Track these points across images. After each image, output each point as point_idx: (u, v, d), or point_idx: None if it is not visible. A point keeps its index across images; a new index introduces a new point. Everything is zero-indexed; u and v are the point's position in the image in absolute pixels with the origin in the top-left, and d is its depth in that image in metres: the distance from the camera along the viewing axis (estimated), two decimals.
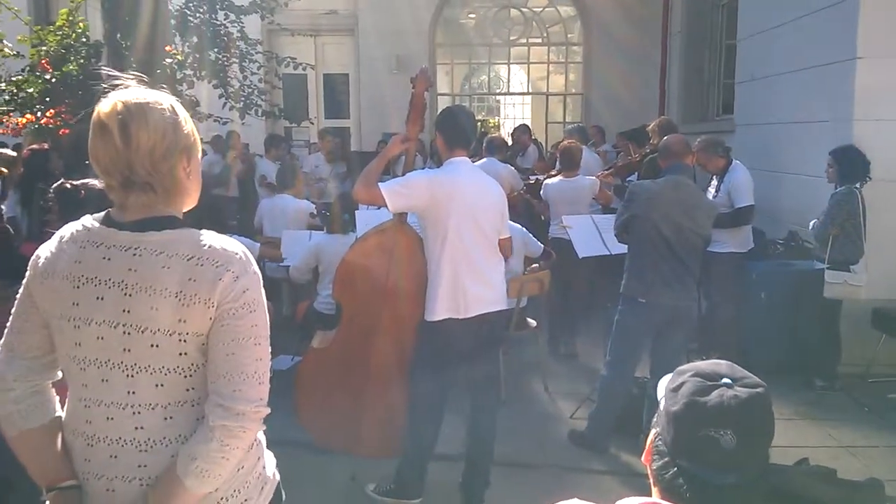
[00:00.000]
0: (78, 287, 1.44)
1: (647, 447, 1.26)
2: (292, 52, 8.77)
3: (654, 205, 3.88)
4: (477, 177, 3.47)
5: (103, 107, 1.44)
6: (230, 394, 1.42)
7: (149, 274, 1.41)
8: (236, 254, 1.47)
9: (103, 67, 5.09)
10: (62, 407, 1.57)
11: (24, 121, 6.20)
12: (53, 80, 6.29)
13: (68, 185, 2.59)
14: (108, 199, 1.51)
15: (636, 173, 6.55)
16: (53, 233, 1.54)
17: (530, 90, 14.66)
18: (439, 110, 11.25)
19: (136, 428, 1.45)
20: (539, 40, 12.23)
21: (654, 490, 1.23)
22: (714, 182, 5.38)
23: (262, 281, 1.52)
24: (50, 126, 6.10)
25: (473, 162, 3.89)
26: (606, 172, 6.61)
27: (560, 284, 5.50)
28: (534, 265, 5.17)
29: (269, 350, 1.51)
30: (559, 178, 5.89)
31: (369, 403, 3.48)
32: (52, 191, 2.66)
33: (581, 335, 5.90)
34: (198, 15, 7.53)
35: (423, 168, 6.18)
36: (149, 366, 1.43)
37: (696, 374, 1.21)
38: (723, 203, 5.07)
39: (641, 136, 6.75)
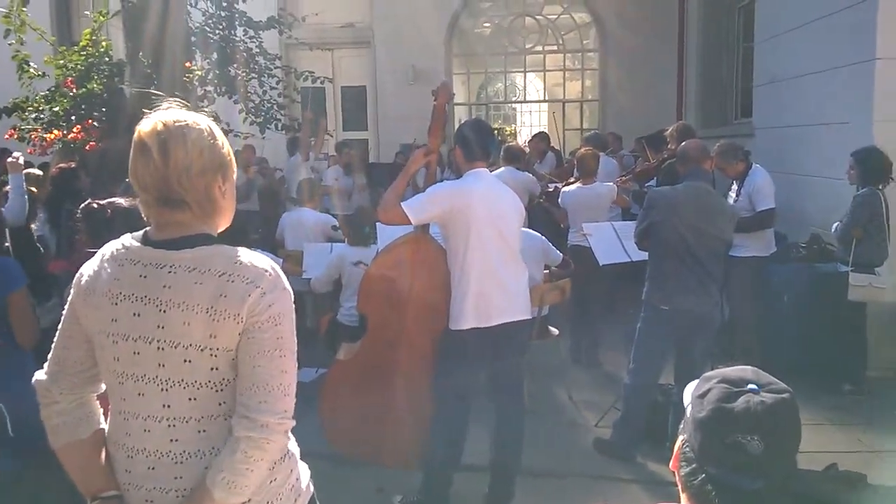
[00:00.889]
0: (116, 304, 1.49)
1: (674, 454, 1.27)
2: (310, 66, 8.87)
3: (674, 211, 3.87)
4: (497, 187, 3.51)
5: (144, 126, 1.49)
6: (255, 405, 1.45)
7: (182, 290, 1.45)
8: (266, 270, 1.50)
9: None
10: (105, 419, 1.62)
11: (52, 137, 6.34)
12: (78, 98, 6.43)
13: (95, 206, 2.65)
14: (135, 216, 1.55)
15: (654, 178, 6.54)
16: (84, 252, 1.59)
17: (546, 98, 14.66)
18: (455, 119, 11.42)
19: (172, 440, 1.49)
20: (554, 47, 12.26)
21: (683, 496, 1.24)
22: (734, 186, 5.35)
23: (292, 297, 1.54)
24: (77, 141, 6.23)
25: (491, 171, 3.92)
26: (624, 178, 6.60)
27: (579, 292, 5.48)
28: (545, 271, 5.13)
29: (296, 363, 1.53)
30: (577, 185, 5.90)
31: (395, 413, 3.50)
32: (79, 211, 2.73)
33: (603, 343, 5.87)
34: (217, 32, 7.66)
35: (441, 178, 6.21)
36: (182, 380, 1.47)
37: (722, 380, 1.22)
38: (744, 207, 5.04)
39: (659, 141, 6.73)
